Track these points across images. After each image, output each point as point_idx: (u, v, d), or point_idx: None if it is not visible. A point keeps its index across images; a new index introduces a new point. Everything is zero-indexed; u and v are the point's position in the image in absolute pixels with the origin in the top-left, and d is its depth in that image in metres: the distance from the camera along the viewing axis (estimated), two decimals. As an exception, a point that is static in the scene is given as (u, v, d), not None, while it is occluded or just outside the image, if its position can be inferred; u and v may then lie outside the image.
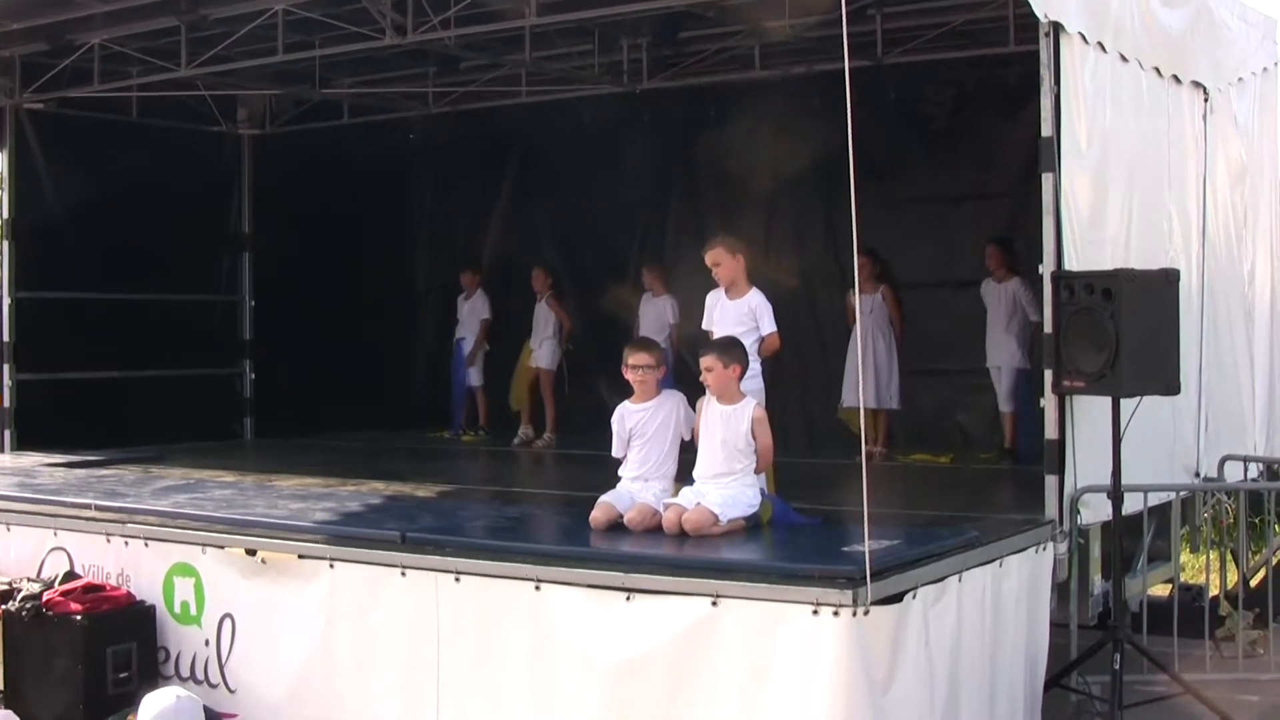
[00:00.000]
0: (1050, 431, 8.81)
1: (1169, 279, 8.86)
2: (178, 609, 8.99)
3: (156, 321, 14.96)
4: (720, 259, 9.17)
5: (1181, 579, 10.53)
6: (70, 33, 12.50)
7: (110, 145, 14.52)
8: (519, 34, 12.74)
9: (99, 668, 8.65)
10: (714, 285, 9.33)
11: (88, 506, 9.80)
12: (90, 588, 9.08)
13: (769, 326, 9.06)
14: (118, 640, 8.77)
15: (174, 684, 8.56)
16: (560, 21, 12.12)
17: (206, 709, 8.14)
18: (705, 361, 8.45)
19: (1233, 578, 11.11)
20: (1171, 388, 8.83)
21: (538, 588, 7.61)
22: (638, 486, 8.56)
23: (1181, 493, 10.15)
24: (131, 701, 8.40)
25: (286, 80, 14.74)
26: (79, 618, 8.71)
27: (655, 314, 14.22)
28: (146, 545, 9.23)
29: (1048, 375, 8.80)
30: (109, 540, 9.42)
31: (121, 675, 8.70)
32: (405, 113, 16.22)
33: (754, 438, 8.30)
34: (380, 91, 15.42)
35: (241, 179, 16.25)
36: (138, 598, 9.09)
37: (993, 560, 8.03)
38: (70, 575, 9.29)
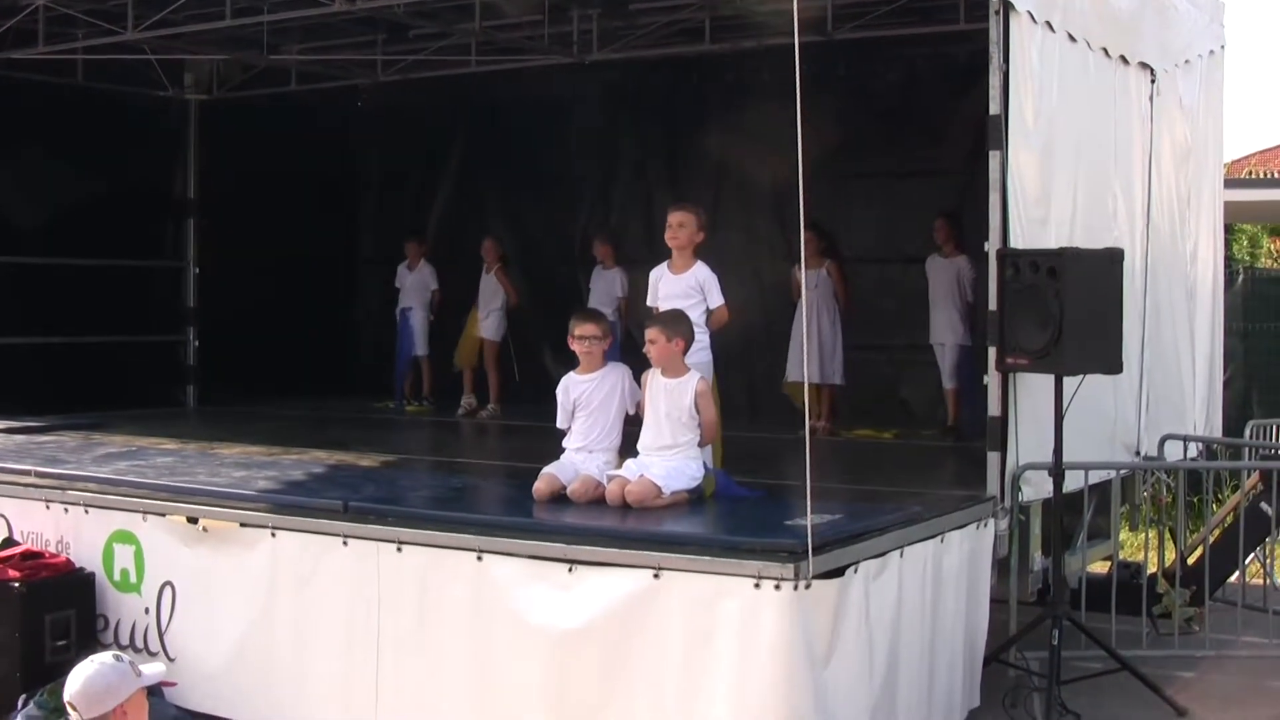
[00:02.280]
0: (993, 408, 8.86)
1: (1113, 258, 8.92)
2: (117, 576, 8.96)
3: (99, 287, 14.80)
4: (687, 223, 9.07)
5: (1120, 556, 10.63)
6: (15, -7, 12.38)
7: (55, 108, 14.34)
8: (469, 2, 12.67)
9: (36, 635, 8.61)
10: (662, 256, 9.30)
11: (27, 473, 9.75)
12: (29, 555, 9.04)
13: (717, 299, 9.01)
14: (56, 608, 8.73)
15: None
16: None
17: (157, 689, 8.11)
18: (649, 334, 8.44)
19: (1170, 556, 11.22)
20: (1114, 367, 8.90)
21: (480, 558, 7.61)
22: (581, 458, 8.57)
23: (1122, 471, 10.25)
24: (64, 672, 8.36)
25: (234, 45, 14.60)
26: (17, 585, 8.66)
27: (605, 286, 14.22)
28: (87, 512, 9.18)
29: (991, 352, 8.84)
30: (48, 507, 9.36)
31: (59, 643, 8.66)
32: (353, 80, 16.09)
33: (698, 411, 8.32)
34: (329, 58, 15.30)
35: (187, 144, 16.10)
36: (77, 565, 9.06)
37: (934, 536, 8.08)
38: (8, 542, 9.26)
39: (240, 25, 12.82)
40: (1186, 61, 11.88)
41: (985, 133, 8.92)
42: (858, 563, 7.28)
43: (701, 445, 8.44)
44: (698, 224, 9.14)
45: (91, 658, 5.97)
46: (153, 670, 6.24)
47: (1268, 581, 11.13)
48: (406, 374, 15.69)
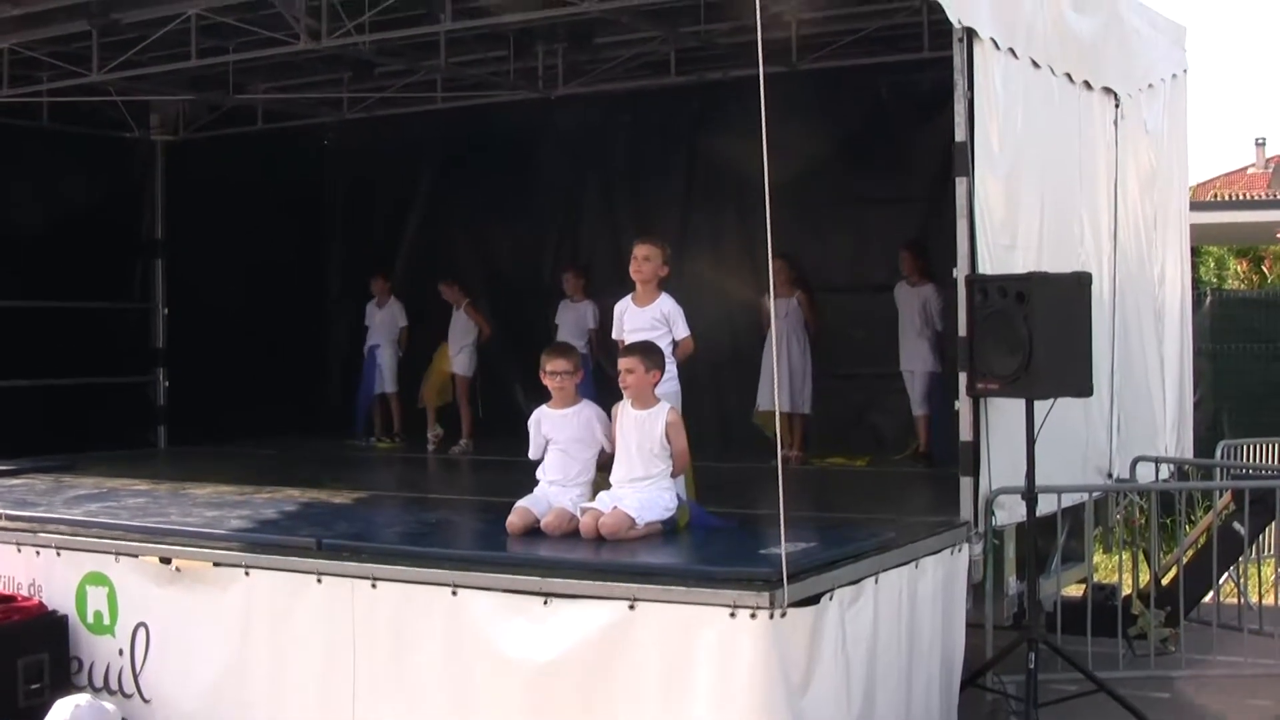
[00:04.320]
0: (965, 434, 8.87)
1: (1081, 282, 8.95)
2: (91, 619, 8.90)
3: (68, 329, 14.75)
4: (653, 256, 9.16)
5: (1095, 579, 10.64)
6: (-21, 37, 12.35)
7: (20, 151, 14.32)
8: (434, 39, 12.70)
9: (10, 679, 8.54)
10: (630, 289, 9.33)
11: (-3, 516, 9.70)
12: (0, 599, 8.97)
13: (683, 330, 9.08)
14: (29, 651, 8.67)
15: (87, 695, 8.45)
16: (475, 27, 12.10)
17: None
18: (627, 363, 8.44)
19: (1145, 577, 11.23)
20: (1084, 390, 8.93)
21: (455, 593, 7.59)
22: (555, 491, 8.56)
23: (1094, 494, 10.26)
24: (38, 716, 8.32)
25: (200, 86, 14.61)
26: (-11, 628, 8.62)
27: (575, 319, 14.22)
28: (58, 555, 9.13)
29: (962, 378, 8.86)
30: (20, 550, 9.30)
31: (33, 687, 8.60)
32: (320, 119, 16.12)
33: (669, 441, 8.32)
34: (295, 97, 15.32)
35: (154, 185, 16.08)
36: (49, 608, 8.99)
37: (909, 562, 8.08)
38: (-20, 586, 9.20)
39: (206, 65, 12.87)
40: (1150, 86, 11.95)
41: (951, 160, 8.96)
42: (833, 590, 7.28)
43: (673, 476, 8.45)
44: (663, 258, 9.21)
45: (69, 701, 5.96)
46: (112, 708, 6.24)
47: (1242, 601, 11.16)
48: (369, 409, 15.67)
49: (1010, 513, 9.00)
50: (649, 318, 9.10)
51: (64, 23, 11.89)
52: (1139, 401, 11.54)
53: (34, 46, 12.61)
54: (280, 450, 14.63)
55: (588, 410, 8.74)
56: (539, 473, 8.70)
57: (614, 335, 9.31)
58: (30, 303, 14.46)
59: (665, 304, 9.13)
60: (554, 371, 8.74)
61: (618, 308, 9.34)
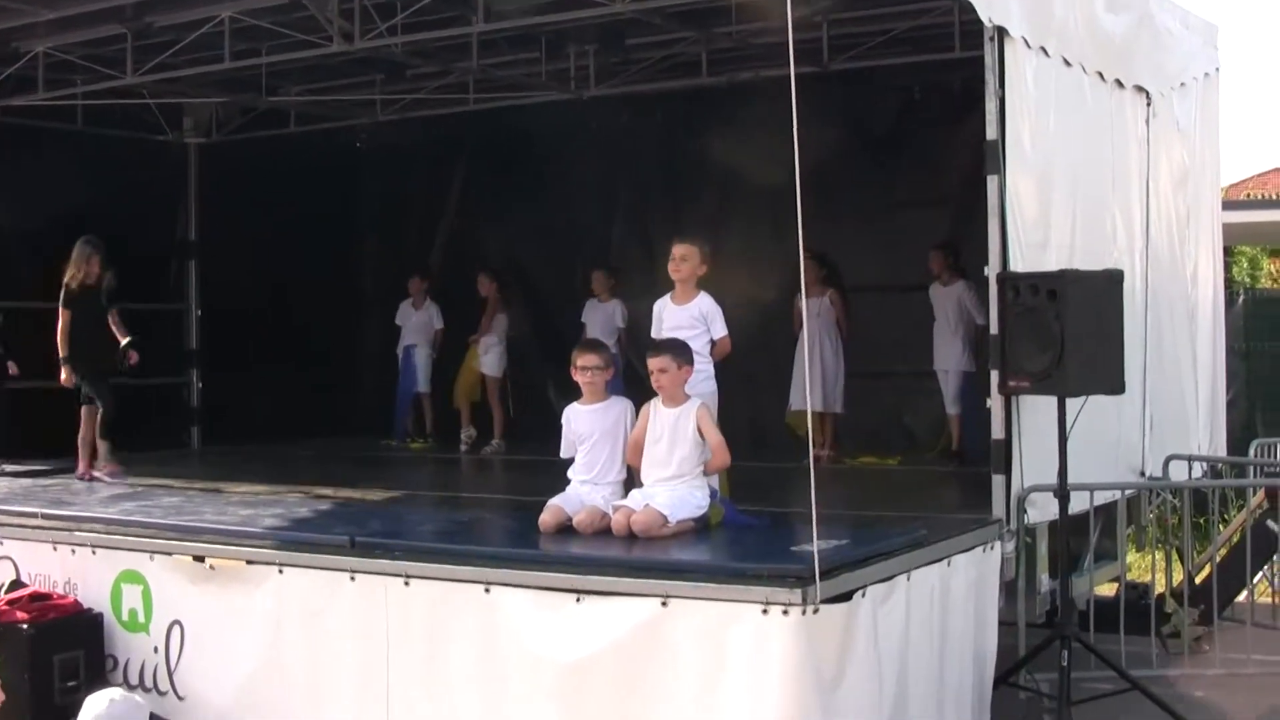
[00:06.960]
0: (997, 431, 8.88)
1: (1113, 280, 8.94)
2: (125, 617, 8.95)
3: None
4: (690, 256, 9.16)
5: (1128, 577, 10.62)
6: (14, 40, 12.42)
7: (55, 154, 14.39)
8: (466, 41, 12.74)
9: (45, 676, 8.60)
10: (661, 289, 9.34)
11: (34, 515, 9.76)
12: (36, 596, 9.03)
13: (721, 330, 9.07)
14: (65, 648, 8.72)
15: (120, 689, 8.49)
16: (507, 29, 12.13)
17: (154, 715, 8.13)
18: (659, 363, 8.43)
19: (1178, 575, 11.21)
20: (1116, 387, 8.91)
21: (487, 590, 7.61)
22: (587, 489, 8.58)
23: (1127, 492, 10.24)
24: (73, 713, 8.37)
25: (233, 88, 14.68)
26: (25, 626, 8.67)
27: (604, 318, 14.22)
28: (94, 553, 9.18)
29: (994, 376, 8.85)
30: (55, 549, 9.36)
31: (69, 684, 8.64)
32: (353, 120, 16.19)
33: (701, 436, 8.33)
34: (328, 99, 15.40)
35: (187, 187, 16.18)
36: (85, 606, 9.04)
37: (941, 559, 8.08)
38: (16, 584, 9.26)
39: (239, 68, 12.92)
40: (1182, 84, 11.93)
41: (983, 159, 8.95)
42: (865, 587, 7.28)
43: (712, 470, 8.46)
44: (701, 257, 9.20)
45: (102, 692, 6.00)
46: (141, 701, 6.27)
47: (1276, 599, 11.13)
48: (408, 411, 15.71)
49: (1042, 510, 8.99)
50: (688, 316, 9.10)
51: (98, 26, 11.98)
52: (1172, 399, 11.51)
53: (68, 50, 12.70)
54: (313, 451, 14.67)
55: (618, 406, 8.76)
56: (571, 472, 8.73)
57: (653, 333, 9.26)
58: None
59: (704, 303, 9.13)
60: (585, 366, 8.76)
61: (656, 306, 9.35)
